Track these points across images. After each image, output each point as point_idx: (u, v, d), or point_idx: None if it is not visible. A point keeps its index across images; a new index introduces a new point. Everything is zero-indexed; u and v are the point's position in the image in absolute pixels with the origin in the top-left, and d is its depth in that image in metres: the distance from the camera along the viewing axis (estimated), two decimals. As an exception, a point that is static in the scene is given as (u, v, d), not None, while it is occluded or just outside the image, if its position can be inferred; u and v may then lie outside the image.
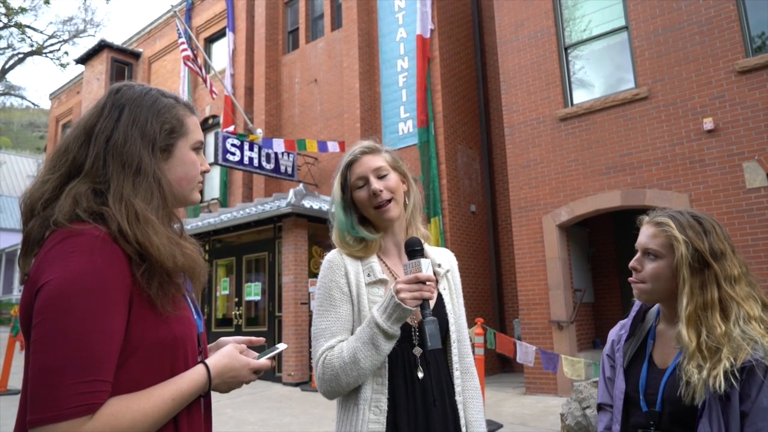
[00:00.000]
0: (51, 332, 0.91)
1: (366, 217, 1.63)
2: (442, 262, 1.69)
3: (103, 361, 0.93)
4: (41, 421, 0.88)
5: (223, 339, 1.32)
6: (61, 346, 0.91)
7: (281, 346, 1.35)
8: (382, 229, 1.62)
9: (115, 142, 1.10)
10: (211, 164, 11.42)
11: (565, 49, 8.49)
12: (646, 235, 1.58)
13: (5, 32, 18.04)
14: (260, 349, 1.35)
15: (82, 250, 0.97)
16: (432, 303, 1.43)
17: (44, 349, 0.91)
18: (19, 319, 1.03)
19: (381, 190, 1.56)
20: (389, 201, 1.58)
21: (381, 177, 1.59)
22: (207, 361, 1.13)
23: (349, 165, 1.63)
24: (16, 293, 28.77)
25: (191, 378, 1.08)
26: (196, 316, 1.19)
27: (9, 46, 20.94)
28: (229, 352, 1.18)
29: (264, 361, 1.23)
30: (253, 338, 1.32)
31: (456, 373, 1.59)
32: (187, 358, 1.10)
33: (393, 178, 1.61)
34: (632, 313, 1.69)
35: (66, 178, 1.09)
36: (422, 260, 1.41)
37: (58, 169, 1.10)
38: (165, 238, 1.07)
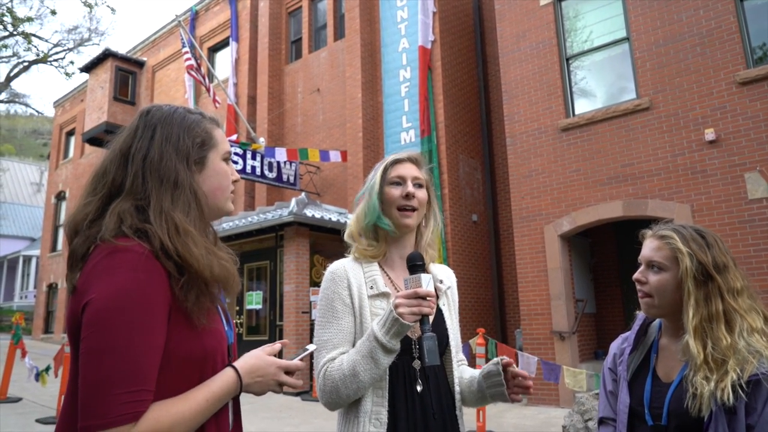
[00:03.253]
0: (99, 346, 0.98)
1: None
2: (443, 278, 1.70)
3: (146, 372, 1.00)
4: (91, 428, 0.95)
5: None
6: (108, 359, 0.97)
7: (311, 347, 1.40)
8: (398, 233, 1.63)
9: (152, 159, 1.16)
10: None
11: (567, 59, 8.53)
12: (650, 248, 1.59)
13: (11, 41, 18.17)
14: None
15: (126, 266, 1.03)
16: (431, 319, 1.42)
17: (93, 361, 0.98)
18: (66, 329, 1.10)
19: (414, 195, 1.59)
20: (414, 210, 1.61)
21: (416, 186, 1.63)
22: (234, 363, 1.18)
23: (393, 163, 1.65)
24: (18, 300, 28.78)
25: (222, 379, 1.13)
26: (227, 327, 1.24)
27: (14, 54, 21.09)
28: (255, 354, 1.23)
29: (295, 361, 1.26)
30: (277, 344, 1.35)
31: (457, 388, 1.60)
32: (216, 371, 1.15)
33: (425, 194, 1.64)
34: (635, 327, 1.70)
35: (107, 198, 1.15)
36: (422, 275, 1.40)
37: (99, 191, 1.16)
38: (203, 249, 1.13)
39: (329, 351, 1.49)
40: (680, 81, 7.27)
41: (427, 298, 1.37)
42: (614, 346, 1.75)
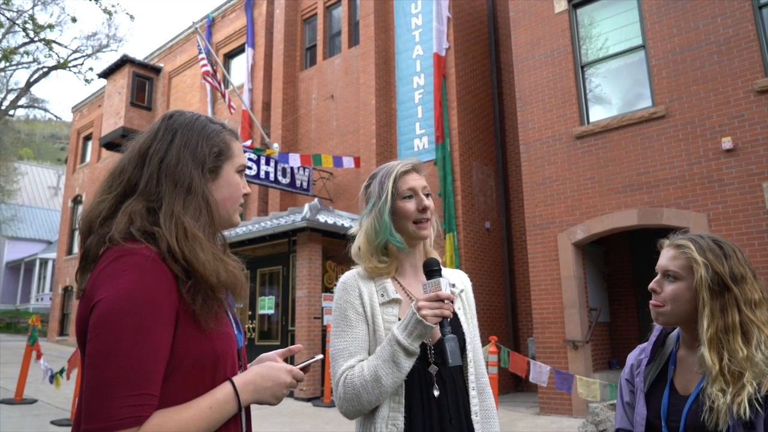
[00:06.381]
0: (104, 348, 0.98)
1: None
2: (456, 282, 1.71)
3: (150, 375, 0.99)
4: (93, 431, 0.94)
5: (264, 355, 1.38)
6: (113, 361, 0.97)
7: (318, 357, 1.42)
8: (410, 246, 1.64)
9: (169, 162, 1.17)
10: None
11: (582, 67, 8.49)
12: (666, 257, 1.58)
13: (31, 47, 18.48)
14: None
15: (133, 269, 1.03)
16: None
17: (97, 363, 0.97)
18: (75, 333, 1.11)
19: (428, 207, 1.60)
20: (428, 220, 1.62)
21: (426, 196, 1.64)
22: (237, 377, 1.17)
23: (402, 174, 1.63)
24: (34, 302, 29.13)
25: (225, 388, 1.12)
26: (236, 332, 1.24)
27: (34, 60, 21.41)
28: (262, 360, 1.24)
29: (300, 371, 1.27)
30: (293, 347, 1.36)
31: (473, 393, 1.60)
32: (227, 373, 1.15)
33: (432, 202, 1.65)
34: (652, 338, 1.68)
35: (121, 197, 1.16)
36: (441, 279, 1.45)
37: (114, 189, 1.17)
38: (210, 254, 1.13)
39: (346, 359, 1.50)
40: (697, 89, 7.20)
41: (446, 301, 1.41)
42: (631, 357, 1.73)
